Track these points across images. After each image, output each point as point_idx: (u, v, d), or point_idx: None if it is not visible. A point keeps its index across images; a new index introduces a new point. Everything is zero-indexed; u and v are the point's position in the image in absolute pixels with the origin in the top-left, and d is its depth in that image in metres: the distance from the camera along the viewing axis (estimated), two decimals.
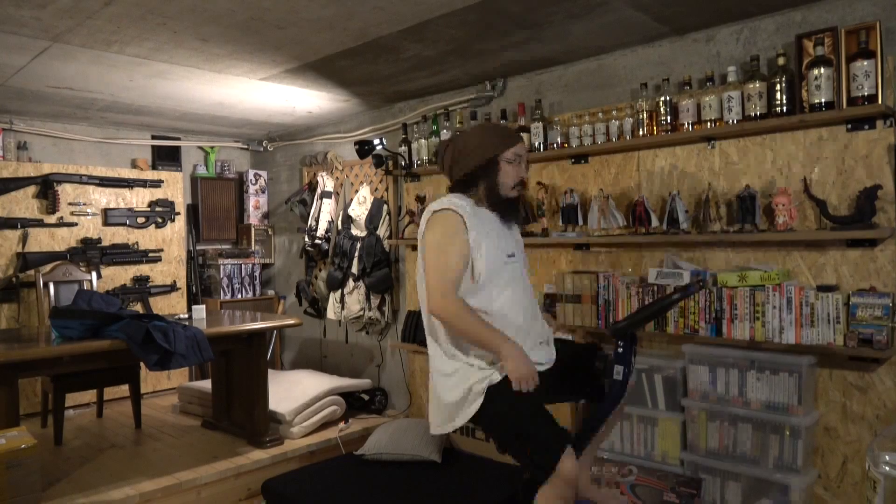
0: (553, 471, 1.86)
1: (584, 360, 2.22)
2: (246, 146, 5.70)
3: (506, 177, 2.10)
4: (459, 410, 2.03)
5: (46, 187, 4.36)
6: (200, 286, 5.21)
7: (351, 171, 4.72)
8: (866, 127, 2.45)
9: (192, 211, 5.31)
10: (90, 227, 4.59)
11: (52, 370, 3.25)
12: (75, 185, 4.51)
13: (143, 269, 4.82)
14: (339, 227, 4.55)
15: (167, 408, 4.43)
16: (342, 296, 4.43)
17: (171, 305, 4.92)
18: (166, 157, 5.21)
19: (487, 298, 2.05)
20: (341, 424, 3.92)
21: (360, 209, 4.41)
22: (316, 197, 4.75)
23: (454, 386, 2.04)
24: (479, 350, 2.03)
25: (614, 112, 3.07)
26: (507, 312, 2.07)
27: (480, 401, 1.99)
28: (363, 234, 4.37)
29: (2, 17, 2.60)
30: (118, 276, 4.70)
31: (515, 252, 2.17)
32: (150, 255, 4.84)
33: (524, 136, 3.36)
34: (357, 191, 4.51)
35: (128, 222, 4.75)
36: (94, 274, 4.36)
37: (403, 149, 4.04)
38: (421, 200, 3.97)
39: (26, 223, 4.29)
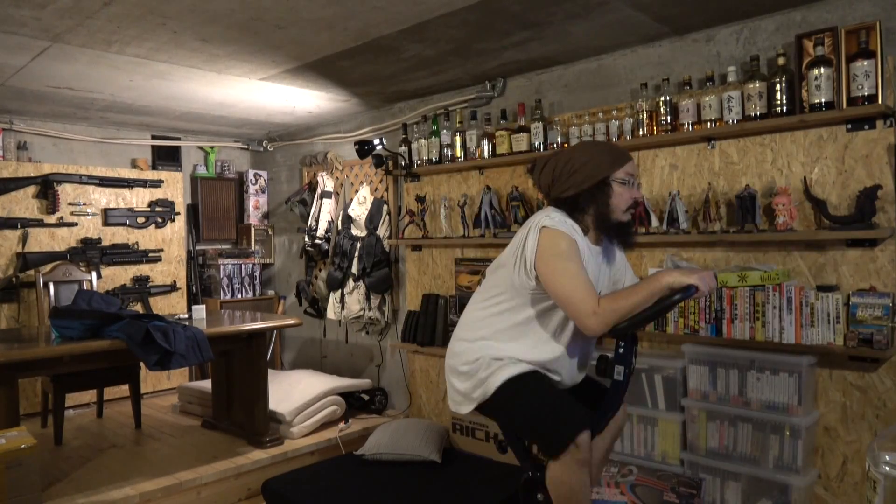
0: (567, 447, 1.84)
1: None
2: (246, 146, 5.70)
3: (619, 199, 1.94)
4: (482, 383, 1.99)
5: (46, 187, 4.36)
6: (200, 286, 5.21)
7: (351, 171, 4.72)
8: (866, 127, 2.45)
9: (192, 211, 5.31)
10: (90, 227, 4.59)
11: (52, 370, 3.24)
12: (75, 185, 4.51)
13: (143, 269, 4.82)
14: (339, 227, 4.55)
15: (167, 408, 4.43)
16: (342, 296, 4.43)
17: (171, 305, 4.92)
18: (166, 157, 5.21)
19: (553, 329, 1.99)
20: (341, 424, 3.92)
21: (360, 209, 4.41)
22: (316, 197, 4.75)
23: (477, 365, 2.01)
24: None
25: (614, 112, 3.07)
26: (560, 358, 2.02)
27: (505, 375, 1.95)
28: (363, 234, 4.37)
29: (2, 17, 2.60)
30: (118, 276, 4.70)
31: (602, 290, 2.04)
32: (150, 255, 4.84)
33: (524, 136, 3.36)
34: (357, 191, 4.51)
35: (128, 222, 4.75)
36: (94, 274, 4.36)
37: (403, 149, 4.05)
38: (421, 200, 3.97)
39: (26, 223, 4.29)
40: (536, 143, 3.33)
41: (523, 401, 1.95)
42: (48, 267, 4.18)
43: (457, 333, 2.14)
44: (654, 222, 2.91)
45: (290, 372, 4.52)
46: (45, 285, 4.11)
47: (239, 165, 5.67)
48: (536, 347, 2.01)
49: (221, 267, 5.15)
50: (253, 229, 5.46)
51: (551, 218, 1.93)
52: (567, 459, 1.86)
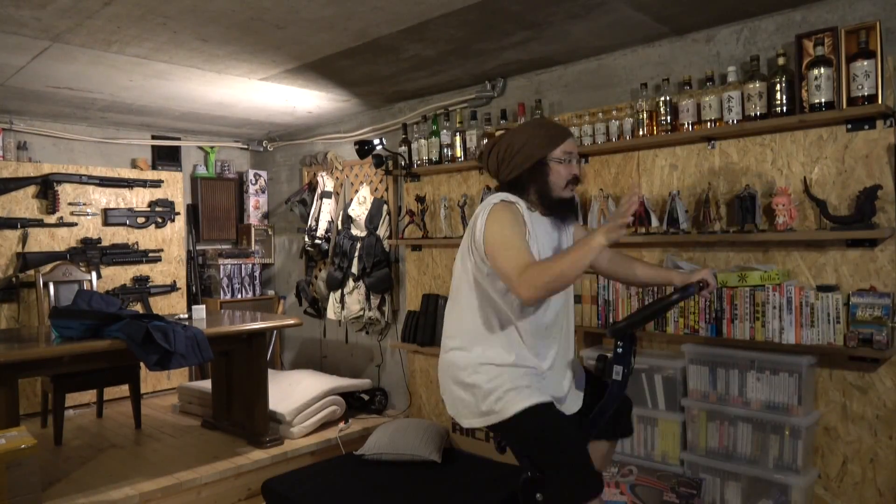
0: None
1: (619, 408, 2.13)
2: (246, 146, 5.70)
3: (557, 177, 1.98)
4: (494, 407, 1.92)
5: (46, 187, 4.36)
6: (200, 286, 5.21)
7: (351, 171, 4.72)
8: (866, 127, 2.45)
9: (192, 211, 5.31)
10: (90, 227, 4.60)
11: (52, 370, 3.24)
12: (75, 185, 4.51)
13: (143, 269, 4.82)
14: (339, 227, 4.55)
15: (167, 408, 4.43)
16: (342, 296, 4.43)
17: (171, 305, 4.92)
18: (166, 157, 5.21)
19: (518, 310, 1.94)
20: (341, 424, 3.92)
21: (360, 209, 4.41)
22: (316, 197, 4.75)
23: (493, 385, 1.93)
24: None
25: (614, 112, 3.07)
26: (538, 339, 1.98)
27: (518, 408, 1.88)
28: (363, 234, 4.37)
29: (2, 17, 2.60)
30: (118, 276, 4.70)
31: None
32: (150, 255, 4.84)
33: None
34: (357, 191, 4.51)
35: (128, 222, 4.75)
36: (94, 274, 4.36)
37: (403, 149, 4.04)
38: (421, 200, 3.97)
39: (26, 223, 4.29)
40: None
41: (542, 440, 1.88)
42: (48, 267, 4.18)
43: (446, 343, 2.08)
44: (654, 222, 2.91)
45: (290, 372, 4.52)
46: (45, 285, 4.11)
47: (239, 165, 5.67)
48: (526, 341, 1.97)
49: (221, 267, 5.15)
50: (253, 229, 5.46)
51: (496, 196, 1.99)
52: None
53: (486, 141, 2.20)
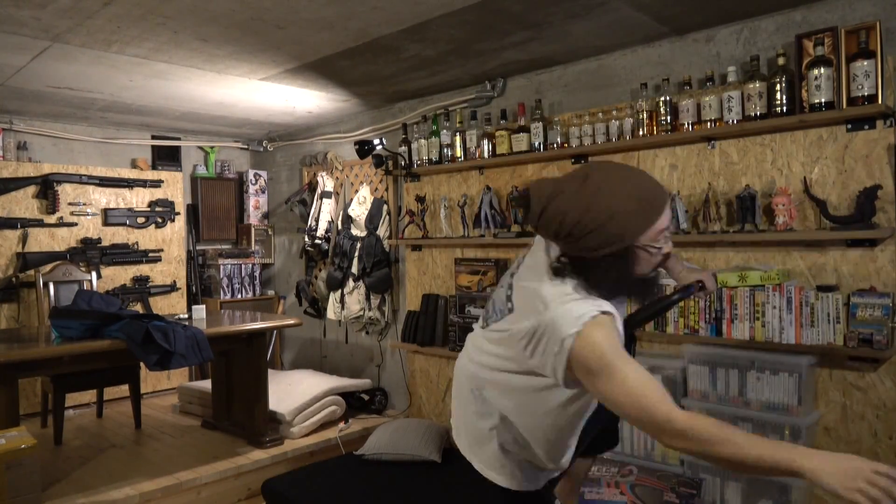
0: None
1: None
2: (246, 146, 5.70)
3: (644, 265, 1.49)
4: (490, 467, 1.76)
5: (46, 187, 4.36)
6: (200, 286, 5.21)
7: (351, 171, 4.72)
8: (866, 127, 2.45)
9: (192, 211, 5.31)
10: (90, 227, 4.59)
11: (52, 370, 3.24)
12: (75, 185, 4.51)
13: (143, 269, 4.82)
14: (339, 227, 4.55)
15: (167, 408, 4.43)
16: (342, 296, 4.43)
17: (171, 305, 4.92)
18: (166, 157, 5.21)
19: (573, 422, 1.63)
20: (341, 424, 3.92)
21: (360, 209, 4.41)
22: (316, 197, 4.75)
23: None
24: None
25: (614, 112, 3.07)
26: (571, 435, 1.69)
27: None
28: (363, 234, 4.37)
29: (2, 17, 2.60)
30: (118, 276, 4.70)
31: None
32: (150, 255, 4.84)
33: (524, 136, 3.36)
34: (357, 191, 4.51)
35: (128, 222, 4.75)
36: (94, 274, 4.36)
37: (403, 149, 4.05)
38: (421, 200, 3.97)
39: (26, 223, 4.29)
40: (536, 143, 3.33)
41: None
42: (48, 267, 4.18)
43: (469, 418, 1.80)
44: None
45: (290, 372, 4.52)
46: (45, 285, 4.11)
47: (239, 165, 5.67)
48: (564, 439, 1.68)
49: (221, 267, 5.15)
50: (253, 229, 5.46)
51: (588, 303, 1.42)
52: None
53: (529, 187, 1.55)
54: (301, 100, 4.17)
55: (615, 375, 1.34)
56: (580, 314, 1.39)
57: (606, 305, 1.44)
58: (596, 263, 1.45)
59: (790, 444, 1.42)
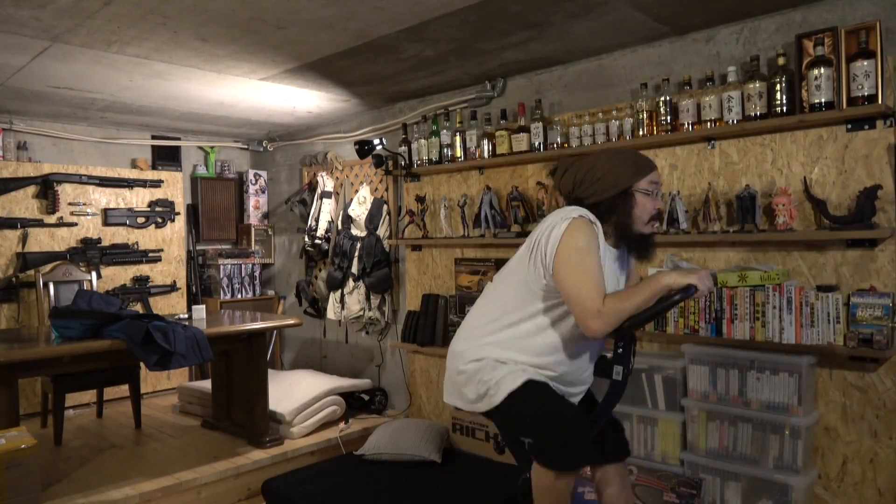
0: (570, 470, 1.83)
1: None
2: (246, 146, 5.70)
3: (642, 210, 1.88)
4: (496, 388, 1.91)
5: (46, 187, 4.36)
6: (200, 286, 5.21)
7: (351, 171, 4.72)
8: (866, 127, 2.45)
9: (192, 211, 5.31)
10: (90, 227, 4.60)
11: (52, 370, 3.25)
12: (75, 185, 4.51)
13: (143, 269, 4.82)
14: (339, 227, 4.55)
15: (167, 408, 4.43)
16: (342, 296, 4.43)
17: (171, 305, 4.92)
18: (166, 157, 5.21)
19: (569, 333, 1.90)
20: (341, 424, 3.92)
21: (360, 209, 4.41)
22: (316, 197, 4.75)
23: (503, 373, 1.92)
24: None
25: (614, 112, 3.07)
26: (577, 358, 1.96)
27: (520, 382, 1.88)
28: (363, 234, 4.37)
29: (2, 17, 2.60)
30: (118, 276, 4.70)
31: None
32: (150, 255, 4.84)
33: (524, 136, 3.36)
34: (357, 191, 4.51)
35: (128, 222, 4.75)
36: (94, 274, 4.36)
37: (403, 149, 4.04)
38: (421, 200, 3.97)
39: (26, 223, 4.29)
40: (536, 144, 3.33)
41: (533, 414, 1.88)
42: (48, 267, 4.17)
43: (460, 333, 2.08)
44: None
45: (290, 372, 4.52)
46: (45, 285, 4.11)
47: (239, 165, 5.67)
48: (547, 356, 1.93)
49: (221, 267, 5.15)
50: (253, 229, 5.46)
51: (574, 209, 1.88)
52: (564, 474, 1.85)
53: (558, 162, 2.10)
54: (301, 100, 4.17)
55: (575, 264, 1.78)
56: (568, 215, 1.84)
57: (593, 218, 1.86)
58: (600, 205, 1.89)
59: (656, 275, 1.83)
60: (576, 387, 2.04)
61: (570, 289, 1.78)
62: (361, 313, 4.37)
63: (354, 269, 4.36)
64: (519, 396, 1.88)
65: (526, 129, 3.36)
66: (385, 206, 4.36)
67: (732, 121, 2.67)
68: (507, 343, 1.95)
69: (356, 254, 4.36)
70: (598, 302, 1.74)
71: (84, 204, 4.56)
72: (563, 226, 1.82)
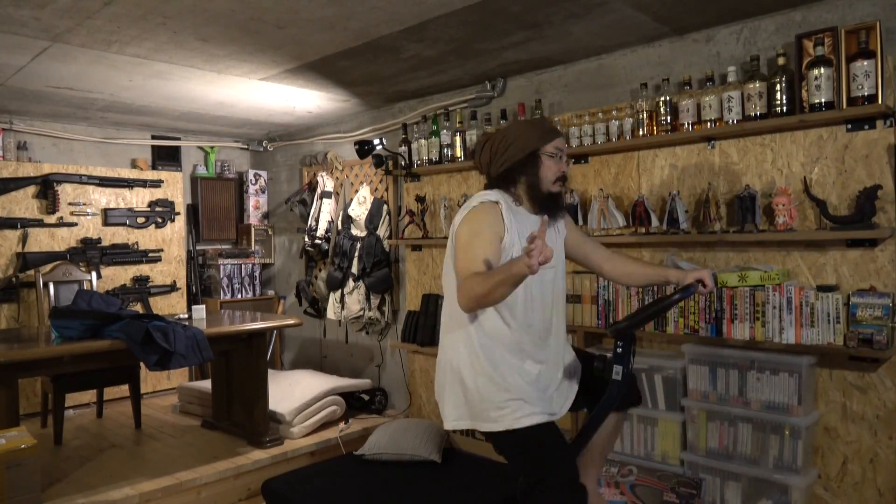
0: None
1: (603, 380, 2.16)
2: (246, 146, 5.70)
3: (547, 171, 2.04)
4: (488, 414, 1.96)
5: (46, 187, 4.36)
6: (200, 286, 5.21)
7: (351, 171, 4.72)
8: (866, 127, 2.45)
9: (192, 211, 5.31)
10: (90, 227, 4.60)
11: (52, 370, 3.25)
12: (75, 185, 4.51)
13: (143, 269, 4.82)
14: (339, 227, 4.55)
15: (167, 408, 4.43)
16: (342, 296, 4.43)
17: (171, 305, 4.92)
18: (166, 157, 5.21)
19: (510, 307, 1.96)
20: (341, 424, 3.92)
21: (360, 209, 4.41)
22: (316, 197, 4.75)
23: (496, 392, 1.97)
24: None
25: (614, 112, 3.07)
26: (527, 325, 2.01)
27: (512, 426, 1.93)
28: (363, 234, 4.37)
29: (2, 17, 2.60)
30: (118, 276, 4.70)
31: (555, 263, 2.05)
32: (150, 255, 4.84)
33: None
34: (357, 191, 4.51)
35: (128, 222, 4.75)
36: (94, 274, 4.36)
37: (403, 149, 4.04)
38: (421, 200, 3.97)
39: (26, 223, 4.29)
40: None
41: (536, 457, 1.94)
42: (48, 267, 4.18)
43: (442, 339, 2.12)
44: (654, 222, 2.91)
45: (290, 372, 4.52)
46: (45, 285, 4.11)
47: (239, 165, 5.67)
48: (511, 338, 1.99)
49: (221, 267, 5.15)
50: (253, 229, 5.46)
51: (477, 196, 2.03)
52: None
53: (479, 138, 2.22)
54: (301, 100, 4.17)
55: (464, 245, 1.93)
56: (469, 205, 2.01)
57: (494, 195, 2.01)
58: (511, 169, 2.04)
59: (507, 264, 1.81)
60: (552, 386, 2.06)
61: (456, 267, 1.95)
62: (361, 313, 4.37)
63: (354, 269, 4.36)
64: (521, 437, 1.94)
65: None
66: (385, 206, 4.36)
67: (732, 121, 2.67)
68: (484, 348, 2.00)
69: (356, 254, 4.36)
70: (466, 274, 1.87)
71: (84, 204, 4.56)
72: (462, 214, 2.00)
